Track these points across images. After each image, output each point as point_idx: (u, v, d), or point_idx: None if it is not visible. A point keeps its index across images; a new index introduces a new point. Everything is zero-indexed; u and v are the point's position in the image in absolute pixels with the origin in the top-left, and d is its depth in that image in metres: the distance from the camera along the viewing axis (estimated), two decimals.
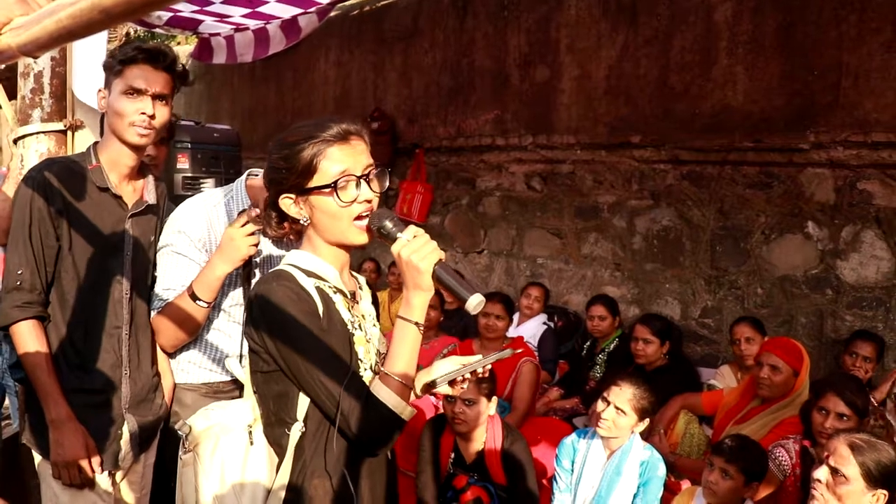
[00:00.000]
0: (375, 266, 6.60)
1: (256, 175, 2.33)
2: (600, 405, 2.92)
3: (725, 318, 4.85)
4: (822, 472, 2.31)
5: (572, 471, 3.05)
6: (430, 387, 1.67)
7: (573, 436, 3.13)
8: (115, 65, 2.14)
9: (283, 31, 4.58)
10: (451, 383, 1.75)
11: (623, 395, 2.87)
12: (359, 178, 1.61)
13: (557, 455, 3.10)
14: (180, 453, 1.74)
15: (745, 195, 4.80)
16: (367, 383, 1.61)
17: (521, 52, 5.96)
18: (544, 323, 5.24)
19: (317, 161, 1.60)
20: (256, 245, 2.20)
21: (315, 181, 1.61)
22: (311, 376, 1.57)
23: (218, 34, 4.59)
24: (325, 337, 1.58)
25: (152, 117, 2.15)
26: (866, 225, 4.33)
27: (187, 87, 2.40)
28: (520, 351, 3.99)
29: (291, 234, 1.76)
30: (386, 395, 1.55)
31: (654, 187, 5.27)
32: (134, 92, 2.13)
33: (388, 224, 1.59)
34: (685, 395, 3.87)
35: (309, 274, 1.64)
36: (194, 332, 2.32)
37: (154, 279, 2.35)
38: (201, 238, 2.30)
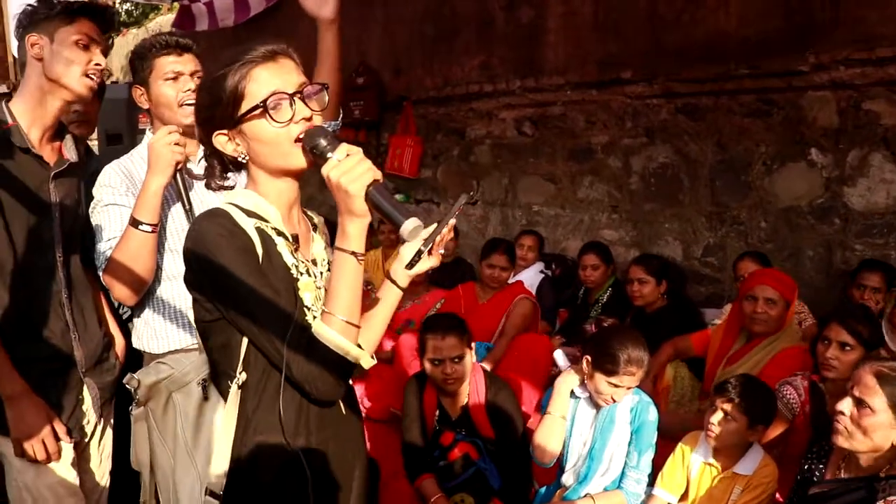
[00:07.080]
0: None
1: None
2: (607, 388, 2.64)
3: (729, 256, 4.67)
4: (845, 404, 2.14)
5: None
6: (411, 266, 1.49)
7: None
8: (61, 12, 2.06)
9: None
10: (430, 252, 1.50)
11: (637, 377, 2.64)
12: (291, 95, 1.44)
13: (543, 406, 2.93)
14: (131, 408, 1.67)
15: (743, 125, 4.57)
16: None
17: None
18: (541, 272, 5.10)
19: (243, 85, 1.44)
20: (182, 153, 2.13)
21: (244, 107, 1.44)
22: (251, 318, 1.42)
23: (198, 0, 4.42)
24: (264, 276, 1.43)
25: (102, 70, 2.13)
26: (873, 147, 4.11)
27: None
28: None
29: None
30: (329, 336, 1.40)
31: (648, 124, 5.05)
32: (89, 42, 2.08)
33: (322, 142, 1.41)
34: (675, 339, 3.67)
35: (249, 213, 1.48)
36: (148, 271, 2.19)
37: (91, 240, 2.27)
38: (123, 182, 2.26)
